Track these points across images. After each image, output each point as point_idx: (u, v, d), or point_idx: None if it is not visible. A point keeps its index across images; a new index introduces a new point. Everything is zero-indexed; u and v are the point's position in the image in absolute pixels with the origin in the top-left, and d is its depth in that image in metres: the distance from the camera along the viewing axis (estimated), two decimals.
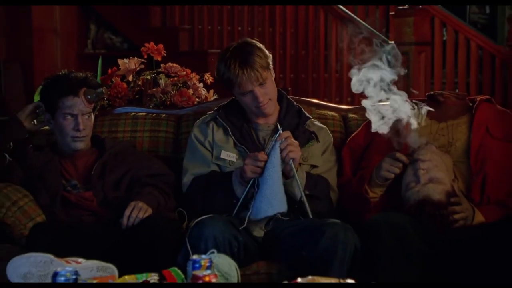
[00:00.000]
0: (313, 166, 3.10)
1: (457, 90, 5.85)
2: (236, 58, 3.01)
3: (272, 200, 2.88)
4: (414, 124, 2.94)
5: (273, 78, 3.09)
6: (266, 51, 3.07)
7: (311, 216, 2.91)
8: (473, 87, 5.94)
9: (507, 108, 5.93)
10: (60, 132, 3.17)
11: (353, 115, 3.51)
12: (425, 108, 3.13)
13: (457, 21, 5.95)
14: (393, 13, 5.67)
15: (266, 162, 2.89)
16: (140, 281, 2.27)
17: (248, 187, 2.93)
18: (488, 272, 2.71)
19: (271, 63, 3.08)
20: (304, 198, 2.91)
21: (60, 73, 3.23)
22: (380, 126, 2.88)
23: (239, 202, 2.95)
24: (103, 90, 3.30)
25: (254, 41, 3.09)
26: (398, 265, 2.71)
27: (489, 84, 5.91)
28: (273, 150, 2.89)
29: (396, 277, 2.51)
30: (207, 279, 2.16)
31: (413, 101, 3.14)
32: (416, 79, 5.69)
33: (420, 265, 2.75)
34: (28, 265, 2.45)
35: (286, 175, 2.92)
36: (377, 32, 5.47)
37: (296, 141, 2.94)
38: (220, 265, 2.46)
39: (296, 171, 2.91)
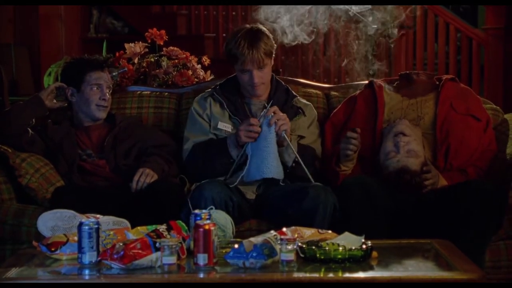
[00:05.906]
0: (301, 137, 3.33)
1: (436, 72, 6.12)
2: (246, 39, 3.24)
3: (264, 168, 3.11)
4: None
5: (271, 65, 3.32)
6: (273, 41, 3.30)
7: (307, 172, 3.12)
8: (452, 67, 6.22)
9: (482, 85, 6.26)
10: (85, 102, 3.39)
11: (335, 93, 3.72)
12: (387, 86, 3.41)
13: (437, 5, 6.17)
14: None
15: (259, 132, 3.11)
16: (151, 230, 2.45)
17: (243, 150, 3.15)
18: (442, 226, 2.96)
19: (274, 52, 3.31)
20: (300, 159, 3.14)
21: (84, 56, 3.48)
22: None
23: (236, 162, 3.17)
24: (118, 73, 3.63)
25: (265, 28, 3.32)
26: (367, 219, 2.93)
27: (466, 64, 6.17)
28: (264, 124, 3.12)
29: (365, 229, 2.60)
30: (207, 227, 2.37)
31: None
32: (397, 60, 5.97)
33: (387, 220, 2.98)
34: (55, 219, 2.69)
35: (280, 145, 3.16)
36: (362, 18, 5.74)
37: (284, 114, 3.17)
38: (218, 219, 2.68)
39: (290, 141, 3.16)
